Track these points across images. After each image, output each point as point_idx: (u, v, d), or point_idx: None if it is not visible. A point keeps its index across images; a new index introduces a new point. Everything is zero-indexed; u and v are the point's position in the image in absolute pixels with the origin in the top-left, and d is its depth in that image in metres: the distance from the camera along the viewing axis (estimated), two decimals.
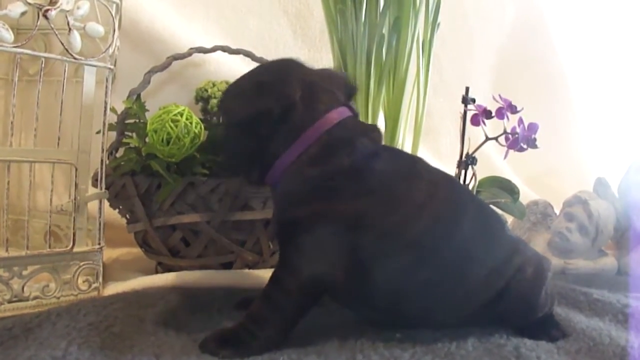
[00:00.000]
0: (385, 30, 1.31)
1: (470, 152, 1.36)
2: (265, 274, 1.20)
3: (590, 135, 2.09)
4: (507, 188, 1.37)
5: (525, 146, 1.33)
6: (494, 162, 1.70)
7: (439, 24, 1.40)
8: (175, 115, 1.16)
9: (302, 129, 0.87)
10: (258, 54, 1.39)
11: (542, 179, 1.93)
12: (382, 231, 0.84)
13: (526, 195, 1.66)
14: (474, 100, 1.40)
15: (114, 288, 1.14)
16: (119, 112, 1.26)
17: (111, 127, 1.22)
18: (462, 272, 0.89)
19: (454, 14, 1.72)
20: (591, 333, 0.96)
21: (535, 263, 0.95)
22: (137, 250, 1.37)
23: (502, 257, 0.91)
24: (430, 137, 1.78)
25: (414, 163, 0.93)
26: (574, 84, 2.08)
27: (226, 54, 1.37)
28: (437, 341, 0.88)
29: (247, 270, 1.27)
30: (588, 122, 2.10)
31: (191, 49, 1.33)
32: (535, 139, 1.32)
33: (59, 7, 1.01)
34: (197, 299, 1.09)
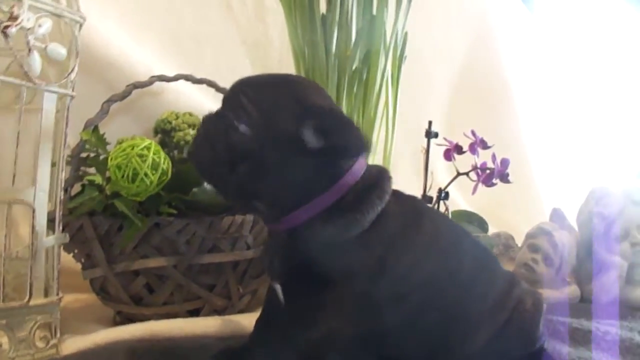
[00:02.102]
0: (355, 64, 1.21)
1: (441, 187, 1.35)
2: (236, 320, 1.10)
3: (539, 168, 2.08)
4: (477, 222, 1.33)
5: (496, 181, 1.30)
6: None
7: (405, 57, 1.32)
8: (141, 149, 1.00)
9: (344, 171, 0.78)
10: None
11: (492, 210, 1.89)
12: (398, 274, 0.77)
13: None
14: (436, 135, 1.35)
15: (73, 344, 0.96)
16: (71, 144, 1.07)
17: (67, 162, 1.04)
18: (468, 308, 0.84)
19: (409, 49, 1.66)
20: None
21: (533, 294, 0.92)
22: (88, 297, 1.19)
23: (503, 290, 0.88)
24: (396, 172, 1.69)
25: (415, 202, 0.88)
26: (524, 114, 2.08)
27: (187, 83, 1.22)
28: None
29: (217, 317, 1.11)
30: (538, 157, 2.09)
31: (153, 77, 1.17)
32: (508, 174, 1.29)
33: (19, 23, 0.83)
34: (169, 352, 0.96)
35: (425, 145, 1.35)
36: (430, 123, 1.36)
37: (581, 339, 1.11)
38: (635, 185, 1.50)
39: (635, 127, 2.19)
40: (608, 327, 1.17)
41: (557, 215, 1.52)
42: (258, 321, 0.92)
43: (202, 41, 1.49)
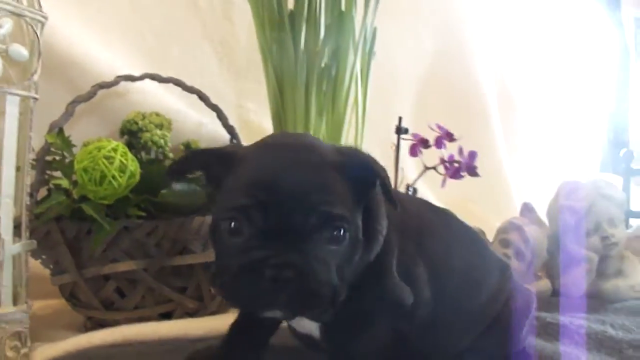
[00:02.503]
0: (324, 61, 1.22)
1: (408, 183, 1.37)
2: (209, 323, 1.09)
3: (510, 163, 2.12)
4: None
5: (464, 174, 1.33)
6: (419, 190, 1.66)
7: (374, 53, 1.34)
8: (108, 151, 1.01)
9: None
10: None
11: (462, 204, 1.92)
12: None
13: None
14: (406, 131, 1.37)
15: (44, 352, 0.95)
16: (35, 148, 1.06)
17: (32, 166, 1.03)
18: (472, 296, 0.86)
19: (377, 46, 1.68)
20: (556, 357, 0.98)
21: (524, 292, 0.95)
22: (58, 302, 1.20)
23: (497, 283, 0.90)
24: None
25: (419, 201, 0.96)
26: (493, 110, 2.12)
27: (152, 83, 1.23)
28: None
29: (190, 320, 1.12)
30: (508, 151, 2.13)
31: (118, 76, 1.17)
32: (475, 167, 1.31)
33: None
34: (142, 356, 0.95)
35: (395, 142, 1.37)
36: (400, 119, 1.39)
37: (556, 333, 1.12)
38: (605, 179, 1.53)
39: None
40: (580, 321, 1.19)
41: (527, 210, 1.55)
42: (233, 326, 0.91)
43: (168, 40, 1.49)
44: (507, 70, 2.19)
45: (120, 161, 1.00)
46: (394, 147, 1.37)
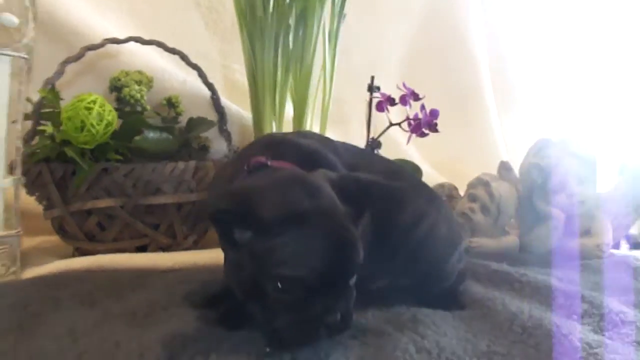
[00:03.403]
0: (292, 21, 1.42)
1: (373, 137, 1.50)
2: (179, 257, 1.34)
3: (496, 121, 2.26)
4: (409, 169, 1.51)
5: (427, 131, 1.46)
6: (404, 148, 1.82)
7: (344, 15, 1.53)
8: (88, 103, 1.26)
9: None
10: (170, 45, 1.51)
11: (449, 164, 2.08)
12: None
13: (434, 179, 1.82)
14: (378, 88, 1.53)
15: (32, 272, 1.23)
16: (35, 102, 1.34)
17: (27, 117, 1.30)
18: (390, 219, 1.00)
19: (363, 6, 1.85)
20: (486, 302, 1.06)
21: (450, 225, 1.09)
22: (55, 238, 1.46)
23: (420, 209, 1.04)
24: (341, 123, 1.92)
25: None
26: (483, 72, 2.25)
27: (139, 45, 1.49)
28: None
29: (160, 253, 1.38)
30: (495, 109, 2.27)
31: (105, 39, 1.43)
32: (436, 124, 1.46)
33: None
34: (111, 279, 1.18)
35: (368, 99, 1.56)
36: (372, 78, 1.57)
37: (498, 280, 1.23)
38: (575, 137, 1.62)
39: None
40: (529, 272, 1.28)
41: (504, 168, 1.66)
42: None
43: (157, 5, 1.74)
44: (497, 21, 2.31)
45: (98, 111, 1.26)
46: (367, 104, 1.55)
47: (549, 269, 1.37)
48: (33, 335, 0.86)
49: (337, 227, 0.79)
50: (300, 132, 1.31)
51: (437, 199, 1.12)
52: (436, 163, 2.08)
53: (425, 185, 1.15)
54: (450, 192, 1.70)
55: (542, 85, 2.31)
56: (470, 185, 1.63)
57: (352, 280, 0.80)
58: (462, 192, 1.70)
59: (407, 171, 1.15)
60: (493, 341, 0.89)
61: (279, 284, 0.76)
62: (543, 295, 1.15)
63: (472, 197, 1.60)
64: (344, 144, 1.09)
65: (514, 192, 1.62)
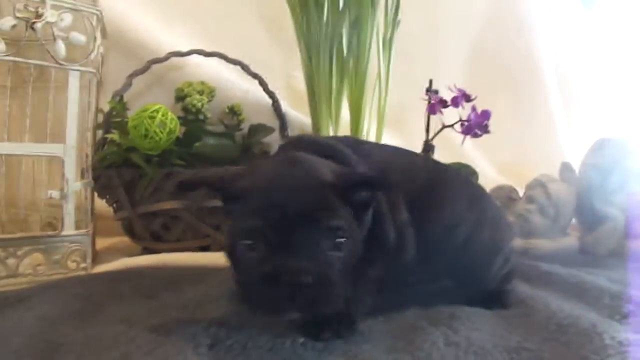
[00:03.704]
0: (345, 29, 1.49)
1: (427, 140, 1.54)
2: None
3: (561, 123, 2.24)
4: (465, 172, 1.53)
5: (479, 132, 1.48)
6: (465, 150, 1.85)
7: (399, 21, 1.57)
8: (152, 112, 1.36)
9: None
10: (235, 57, 1.60)
11: (512, 166, 2.08)
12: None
13: (495, 181, 1.83)
14: (437, 92, 1.56)
15: (101, 268, 1.33)
16: (105, 113, 1.46)
17: (99, 126, 1.42)
18: (429, 222, 1.00)
19: (423, 9, 1.90)
20: (529, 301, 1.07)
21: (495, 229, 1.07)
22: (127, 239, 1.57)
23: (459, 214, 1.03)
24: (401, 127, 1.97)
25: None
26: (547, 73, 2.23)
27: (202, 57, 1.58)
28: (377, 309, 0.99)
29: (221, 252, 1.43)
30: (560, 111, 2.25)
31: (169, 53, 1.54)
32: (487, 125, 1.47)
33: (44, 19, 1.21)
34: (171, 275, 1.25)
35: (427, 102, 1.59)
36: (430, 81, 1.61)
37: (547, 280, 1.23)
38: (634, 137, 1.62)
39: None
40: (582, 273, 1.28)
41: (565, 169, 1.66)
42: None
43: (222, 17, 1.85)
44: (564, 24, 2.28)
45: (161, 120, 1.35)
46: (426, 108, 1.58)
47: (603, 270, 1.36)
48: (92, 322, 0.94)
49: (300, 184, 0.81)
50: (333, 136, 1.35)
51: (481, 202, 1.10)
52: (498, 165, 2.08)
53: (471, 188, 1.14)
54: (509, 193, 1.69)
55: (605, 84, 2.28)
56: (528, 187, 1.63)
57: (326, 242, 0.79)
58: (522, 194, 1.69)
59: (454, 173, 1.15)
60: (525, 338, 0.90)
61: (241, 243, 0.80)
62: (590, 295, 1.14)
63: (529, 199, 1.60)
64: (382, 145, 1.12)
65: (573, 193, 1.61)
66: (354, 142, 1.05)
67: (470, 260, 1.04)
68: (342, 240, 0.80)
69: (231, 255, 0.85)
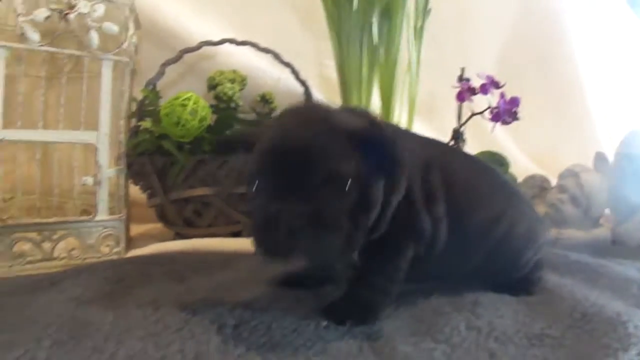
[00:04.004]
0: (375, 18, 1.49)
1: (456, 128, 1.54)
2: None
3: (595, 112, 2.20)
4: (496, 161, 1.52)
5: (508, 119, 1.48)
6: (497, 138, 1.84)
7: (429, 10, 1.57)
8: (183, 100, 1.38)
9: None
10: (267, 46, 1.62)
11: (546, 155, 2.06)
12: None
13: (528, 170, 1.81)
14: (468, 80, 1.56)
15: (133, 253, 1.36)
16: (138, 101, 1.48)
17: (132, 114, 1.44)
18: (467, 220, 1.00)
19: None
20: (555, 289, 1.08)
21: (530, 222, 1.09)
22: (160, 226, 1.59)
23: (499, 208, 1.04)
24: (433, 115, 1.97)
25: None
26: (581, 63, 2.20)
27: (234, 45, 1.60)
28: (402, 294, 1.00)
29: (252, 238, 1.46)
30: (594, 101, 2.21)
31: (201, 42, 1.55)
32: (516, 112, 1.47)
33: (77, 10, 1.24)
34: (202, 260, 1.28)
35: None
36: (462, 69, 1.60)
37: (575, 270, 1.24)
38: None
39: None
40: (611, 263, 1.30)
41: (600, 159, 1.64)
42: None
43: (255, 7, 1.86)
44: (596, 16, 2.25)
45: (192, 108, 1.37)
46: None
47: (634, 261, 1.36)
48: (121, 303, 0.97)
49: (308, 129, 0.81)
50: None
51: (517, 196, 1.12)
52: (531, 154, 2.07)
53: (506, 182, 1.14)
54: (541, 183, 1.68)
55: None
56: (561, 176, 1.62)
57: (327, 187, 0.78)
58: (554, 184, 1.68)
59: (490, 168, 1.14)
60: (549, 325, 0.91)
61: (250, 188, 0.82)
62: (617, 285, 1.15)
63: (561, 189, 1.59)
64: (424, 138, 1.10)
65: (606, 183, 1.59)
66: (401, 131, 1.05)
67: (506, 254, 1.05)
68: (347, 186, 0.79)
69: (248, 204, 0.87)
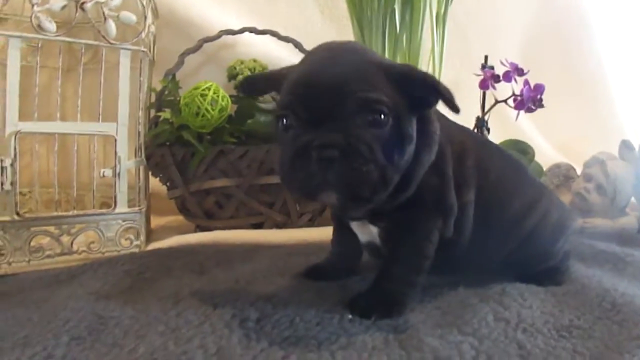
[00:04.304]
0: (397, 5, 1.46)
1: (479, 116, 1.51)
2: (291, 234, 1.42)
3: (619, 100, 2.17)
4: (521, 149, 1.49)
5: (533, 106, 1.44)
6: (522, 126, 1.81)
7: None
8: (203, 90, 1.36)
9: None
10: (288, 34, 1.59)
11: (571, 143, 2.03)
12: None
13: (553, 159, 1.79)
14: (492, 68, 1.53)
15: (153, 245, 1.35)
16: (158, 91, 1.46)
17: (151, 105, 1.42)
18: (500, 209, 0.99)
19: None
20: (583, 279, 1.06)
21: (561, 211, 1.07)
22: (181, 218, 1.58)
23: (531, 199, 1.03)
24: (458, 104, 1.91)
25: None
26: (605, 51, 2.16)
27: (254, 35, 1.57)
28: (429, 285, 0.99)
29: (274, 230, 1.46)
30: (617, 88, 2.18)
31: (221, 31, 1.54)
32: (541, 99, 1.44)
33: None
34: (223, 252, 1.27)
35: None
36: (486, 57, 1.57)
37: (602, 260, 1.22)
38: None
39: None
40: (637, 252, 1.27)
41: (625, 147, 1.61)
42: (334, 242, 1.11)
43: None
44: (623, 17, 2.20)
45: (212, 97, 1.35)
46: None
47: None
48: (141, 297, 0.96)
49: (342, 62, 0.79)
50: None
51: (544, 186, 1.11)
52: (556, 142, 2.04)
53: (530, 173, 1.12)
54: (567, 172, 1.66)
55: None
56: (586, 165, 1.59)
57: (361, 116, 0.76)
58: (580, 172, 1.65)
59: (517, 160, 1.12)
60: (578, 316, 0.89)
61: (278, 122, 0.80)
62: None
63: (587, 177, 1.56)
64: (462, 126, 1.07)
65: (632, 172, 1.56)
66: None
67: (538, 243, 1.04)
68: (382, 116, 0.77)
69: (275, 136, 0.84)
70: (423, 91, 0.80)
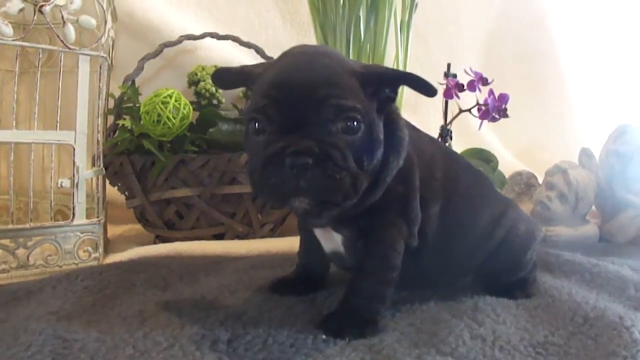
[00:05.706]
0: (362, 12, 1.43)
1: (444, 125, 1.50)
2: (254, 244, 1.38)
3: (578, 108, 2.19)
4: (484, 157, 1.48)
5: (497, 116, 1.44)
6: (483, 136, 1.81)
7: (416, 4, 1.52)
8: (164, 97, 1.31)
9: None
10: (248, 39, 1.55)
11: (531, 152, 2.04)
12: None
13: (514, 167, 1.78)
14: (455, 76, 1.51)
15: (113, 258, 1.29)
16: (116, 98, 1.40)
17: (109, 112, 1.37)
18: (470, 221, 0.99)
19: None
20: (553, 291, 1.05)
21: (528, 222, 1.07)
22: (138, 227, 1.52)
23: (497, 211, 1.03)
24: (419, 111, 1.90)
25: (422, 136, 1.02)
26: (564, 59, 2.18)
27: (215, 40, 1.52)
28: (400, 301, 0.98)
29: (236, 241, 1.41)
30: (577, 96, 2.20)
31: (181, 36, 1.48)
32: (506, 109, 1.43)
33: (52, 2, 1.16)
34: (186, 265, 1.22)
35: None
36: (449, 65, 1.55)
37: (569, 270, 1.21)
38: None
39: None
40: (602, 262, 1.25)
41: (585, 155, 1.63)
42: (301, 254, 1.09)
43: (236, 1, 1.78)
44: (581, 22, 2.21)
45: (174, 105, 1.30)
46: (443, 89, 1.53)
47: (626, 259, 1.33)
48: (105, 316, 0.91)
49: (315, 66, 0.77)
50: None
51: (510, 200, 1.11)
52: (517, 151, 2.05)
53: (495, 187, 1.13)
54: (528, 180, 1.67)
55: (625, 69, 2.22)
56: (548, 173, 1.59)
57: (335, 123, 0.75)
58: (541, 181, 1.65)
59: (482, 173, 1.12)
60: (552, 332, 0.88)
61: (249, 125, 0.78)
62: (613, 286, 1.13)
63: (549, 185, 1.56)
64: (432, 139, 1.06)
65: (593, 180, 1.57)
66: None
67: (508, 254, 1.03)
68: (355, 123, 0.76)
69: (244, 141, 0.82)
70: (393, 89, 0.83)
